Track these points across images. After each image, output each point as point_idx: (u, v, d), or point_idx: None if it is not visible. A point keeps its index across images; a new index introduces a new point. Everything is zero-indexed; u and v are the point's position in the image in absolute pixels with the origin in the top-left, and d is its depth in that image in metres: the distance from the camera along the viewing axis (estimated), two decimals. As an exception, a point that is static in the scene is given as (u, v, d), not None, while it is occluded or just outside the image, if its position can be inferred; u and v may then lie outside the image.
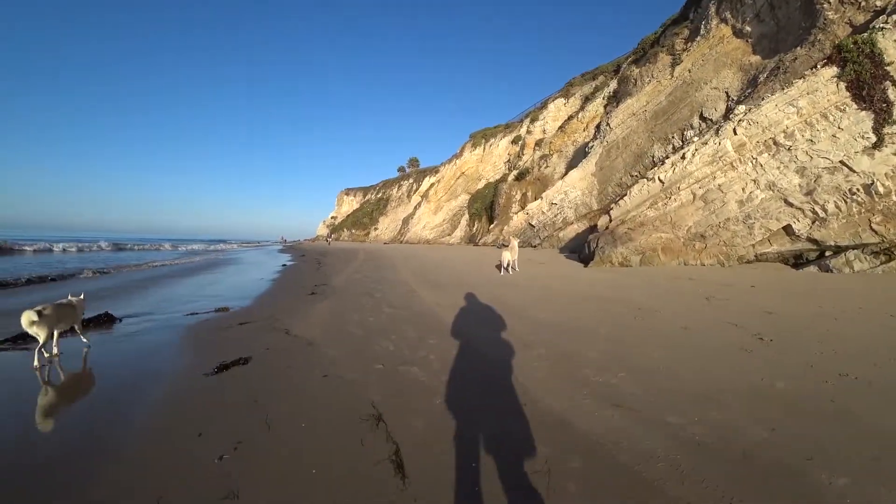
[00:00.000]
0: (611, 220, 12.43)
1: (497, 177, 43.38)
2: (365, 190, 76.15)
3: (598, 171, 20.49)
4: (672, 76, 19.04)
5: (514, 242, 11.32)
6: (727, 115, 16.76)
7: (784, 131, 10.65)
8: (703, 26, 18.67)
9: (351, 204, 77.59)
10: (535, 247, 21.47)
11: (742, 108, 11.53)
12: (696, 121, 17.62)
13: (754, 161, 10.84)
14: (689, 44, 19.35)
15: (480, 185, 45.21)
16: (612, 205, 12.64)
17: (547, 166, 29.96)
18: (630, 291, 7.93)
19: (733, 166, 11.01)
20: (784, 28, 15.93)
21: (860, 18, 13.17)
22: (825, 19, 13.89)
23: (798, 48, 14.40)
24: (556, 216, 20.77)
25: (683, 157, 11.59)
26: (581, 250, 13.42)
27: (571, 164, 28.06)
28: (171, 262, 20.86)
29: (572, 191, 20.49)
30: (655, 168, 12.14)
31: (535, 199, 30.11)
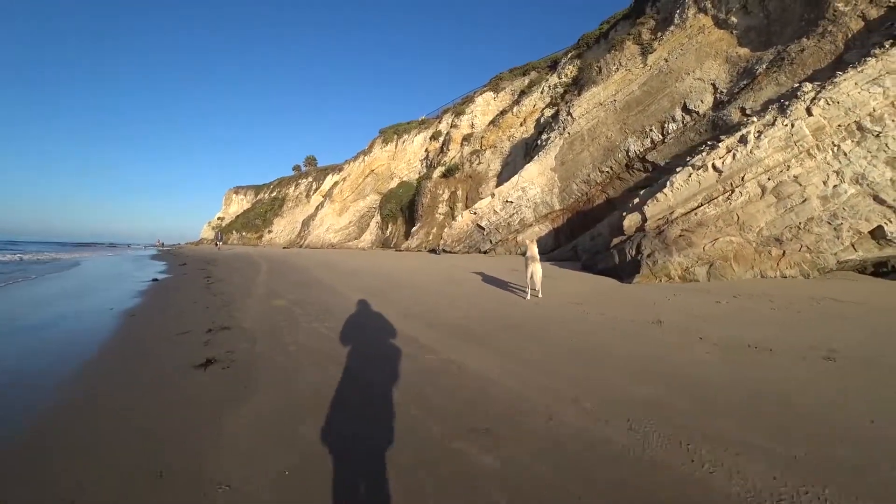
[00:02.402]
0: (645, 220, 9.24)
1: (412, 175, 39.52)
2: (257, 188, 67.09)
3: (558, 165, 17.64)
4: (645, 65, 16.90)
5: (535, 249, 7.52)
6: (716, 108, 14.97)
7: (871, 114, 8.33)
8: (677, 15, 16.82)
9: (241, 204, 67.85)
10: (485, 252, 17.93)
11: (809, 86, 9.08)
12: (678, 113, 15.53)
13: (836, 148, 8.36)
14: (658, 34, 17.39)
15: (393, 183, 40.95)
16: (648, 200, 9.43)
17: (479, 163, 26.83)
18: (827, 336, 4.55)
19: (811, 154, 8.44)
20: (777, 20, 14.45)
21: (873, 13, 11.92)
22: (835, 11, 12.53)
23: (804, 39, 12.91)
24: (511, 217, 17.45)
25: (744, 141, 8.78)
26: (598, 260, 10.02)
27: (509, 161, 25.31)
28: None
29: (531, 188, 17.36)
30: (704, 153, 9.21)
31: (467, 197, 26.90)
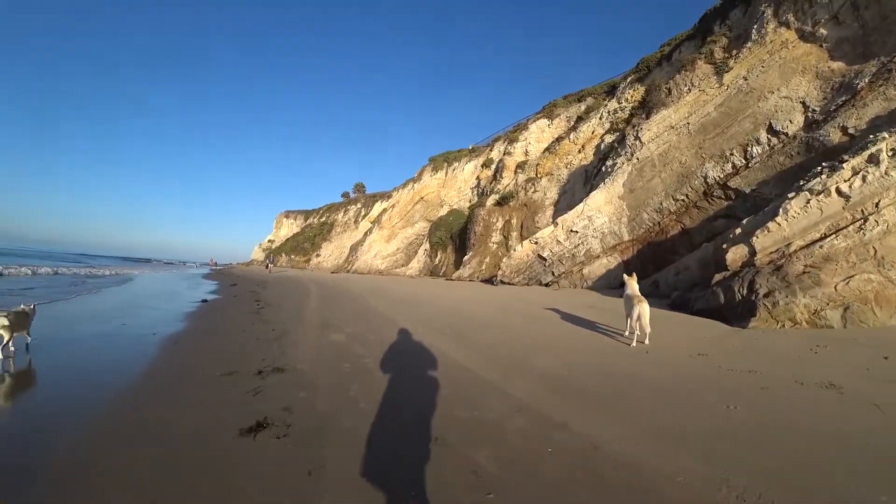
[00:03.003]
0: (754, 253, 8.09)
1: (463, 203, 39.15)
2: (307, 213, 68.90)
3: (627, 193, 16.56)
4: (720, 85, 15.76)
5: (635, 285, 6.57)
6: (809, 128, 13.60)
7: None
8: (754, 31, 15.68)
9: (291, 227, 69.80)
10: (546, 285, 16.90)
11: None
12: (763, 134, 14.24)
13: None
14: (734, 51, 16.26)
15: (443, 211, 40.70)
16: (757, 230, 8.30)
17: (535, 190, 26.01)
18: None
19: (962, 176, 7.11)
20: (877, 29, 13.11)
21: None
22: (952, 13, 11.11)
23: (917, 47, 11.50)
24: (576, 247, 16.41)
25: (874, 160, 7.57)
26: (692, 298, 8.88)
27: (567, 188, 24.38)
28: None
29: (598, 216, 16.31)
30: (823, 176, 8.02)
31: (522, 226, 26.03)
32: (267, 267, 35.36)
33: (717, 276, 8.42)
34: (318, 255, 55.56)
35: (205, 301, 11.90)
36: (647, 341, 6.06)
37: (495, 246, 26.73)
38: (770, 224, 8.09)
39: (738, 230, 8.97)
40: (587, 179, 22.90)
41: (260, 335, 6.80)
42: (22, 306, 5.52)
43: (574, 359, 5.44)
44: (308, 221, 66.31)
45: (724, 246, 8.86)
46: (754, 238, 8.18)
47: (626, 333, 6.56)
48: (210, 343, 6.27)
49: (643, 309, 5.94)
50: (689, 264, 10.83)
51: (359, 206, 57.11)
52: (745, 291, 7.51)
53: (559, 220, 17.04)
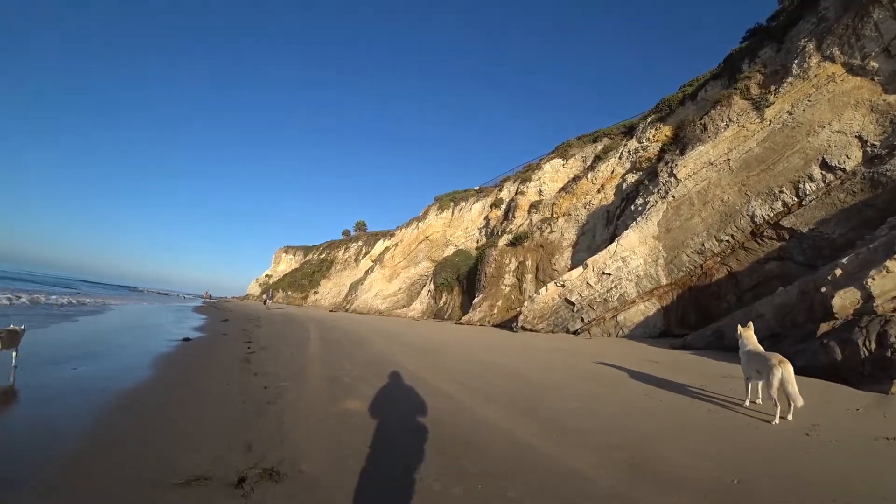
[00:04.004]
0: (871, 298, 6.55)
1: (470, 243, 37.86)
2: (306, 249, 67.55)
3: (663, 233, 15.19)
4: (762, 120, 14.76)
5: (754, 338, 5.04)
6: (870, 163, 12.42)
7: None
8: (795, 66, 14.82)
9: (290, 263, 68.27)
10: (575, 333, 15.20)
11: None
12: (815, 170, 13.07)
13: None
14: (772, 87, 15.37)
15: (448, 251, 39.34)
16: (872, 271, 6.80)
17: (552, 231, 24.71)
18: None
19: None
20: (934, 61, 12.17)
21: None
22: None
23: None
24: (608, 291, 14.84)
25: None
26: (785, 351, 7.26)
27: (586, 229, 23.08)
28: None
29: (632, 258, 14.85)
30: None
31: (537, 268, 24.50)
32: (265, 303, 33.30)
33: (825, 327, 6.82)
34: (315, 293, 53.77)
35: (187, 339, 10.14)
36: (790, 417, 4.41)
37: (508, 288, 25.12)
38: (889, 263, 6.60)
39: (838, 272, 7.46)
40: (609, 220, 21.67)
41: (247, 395, 5.11)
42: (12, 325, 5.49)
43: (722, 451, 3.77)
44: (307, 258, 64.89)
45: (823, 289, 7.32)
46: (869, 280, 6.66)
47: (747, 403, 4.95)
48: (174, 409, 4.51)
49: (788, 373, 4.34)
50: (762, 311, 9.23)
51: (360, 243, 55.85)
52: (872, 346, 5.91)
53: (589, 261, 15.55)
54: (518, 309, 24.42)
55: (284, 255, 71.17)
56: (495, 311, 24.15)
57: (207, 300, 54.74)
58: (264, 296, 40.23)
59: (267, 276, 70.20)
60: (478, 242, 36.71)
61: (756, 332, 9.05)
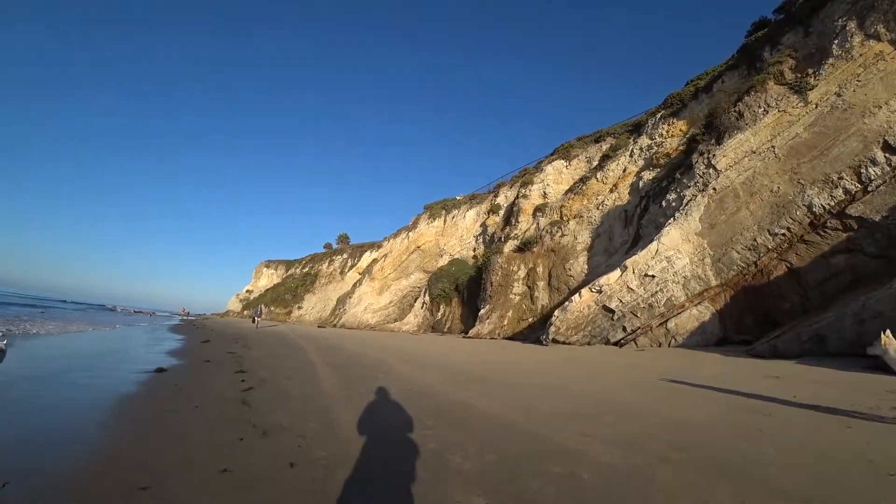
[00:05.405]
0: None
1: (466, 252, 36.29)
2: (288, 263, 64.77)
3: (706, 229, 13.83)
4: (806, 104, 13.64)
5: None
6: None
7: None
8: (835, 46, 13.85)
9: (271, 278, 65.28)
10: (617, 344, 13.63)
11: None
12: (878, 153, 11.97)
13: None
14: (809, 70, 14.35)
15: (443, 261, 37.63)
16: None
17: (563, 234, 23.25)
18: None
19: None
20: None
21: None
22: None
23: None
24: (653, 295, 13.34)
25: None
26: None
27: (601, 231, 21.70)
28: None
29: (678, 257, 13.42)
30: None
31: (549, 275, 22.95)
32: (254, 321, 30.23)
33: None
34: (300, 308, 51.15)
35: (160, 370, 7.82)
36: None
37: (518, 297, 23.45)
38: None
39: None
40: (628, 220, 20.35)
41: (262, 488, 3.15)
42: None
43: None
44: (290, 272, 62.11)
45: None
46: None
47: None
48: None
49: None
50: (878, 309, 7.84)
51: (345, 256, 53.61)
52: None
53: (628, 262, 14.03)
54: (530, 320, 22.77)
55: (265, 269, 68.16)
56: (506, 323, 22.45)
57: (185, 317, 51.17)
58: (252, 312, 36.73)
59: (248, 291, 67.00)
60: (475, 251, 35.11)
61: (870, 334, 7.58)
